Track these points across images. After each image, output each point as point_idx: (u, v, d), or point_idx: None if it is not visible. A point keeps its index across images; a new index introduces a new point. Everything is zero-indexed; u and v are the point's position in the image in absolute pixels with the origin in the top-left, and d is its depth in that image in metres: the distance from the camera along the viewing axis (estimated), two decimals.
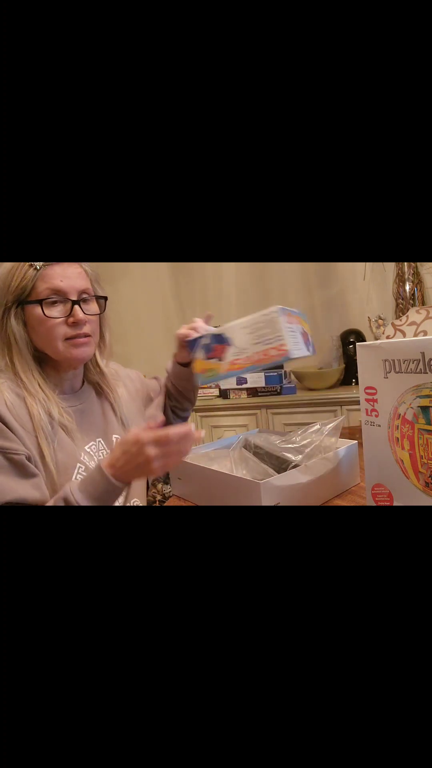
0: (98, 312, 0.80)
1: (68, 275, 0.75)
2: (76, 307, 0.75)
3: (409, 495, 0.64)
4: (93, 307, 0.80)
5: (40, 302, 0.73)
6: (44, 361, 0.79)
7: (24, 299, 0.74)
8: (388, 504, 0.67)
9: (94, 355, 0.87)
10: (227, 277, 2.61)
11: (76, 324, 0.75)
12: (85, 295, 0.77)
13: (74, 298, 0.75)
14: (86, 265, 0.80)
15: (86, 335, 0.77)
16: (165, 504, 1.02)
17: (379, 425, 0.66)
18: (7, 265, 0.75)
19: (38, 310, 0.74)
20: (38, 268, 0.73)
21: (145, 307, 2.76)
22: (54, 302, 0.74)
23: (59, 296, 0.74)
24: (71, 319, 0.75)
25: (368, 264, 2.25)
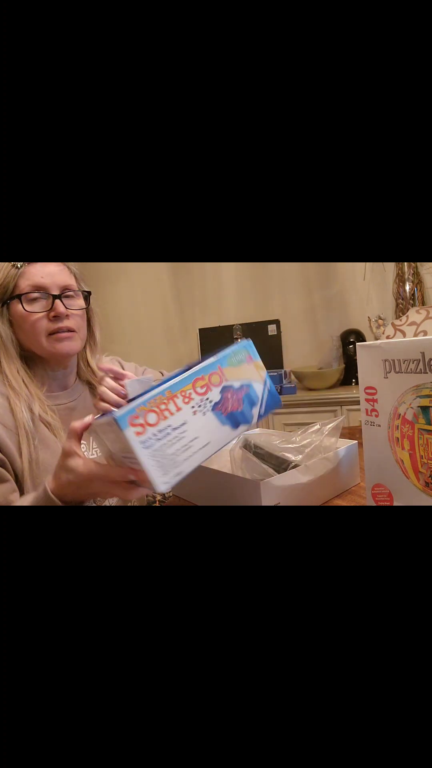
0: (83, 307, 0.81)
1: (49, 272, 0.76)
2: (57, 301, 0.76)
3: (409, 495, 0.64)
4: (78, 302, 0.80)
5: (19, 297, 0.75)
6: (32, 360, 0.80)
7: (6, 298, 0.75)
8: (388, 504, 0.67)
9: (85, 352, 0.88)
10: (227, 277, 2.61)
11: (57, 318, 0.76)
12: (68, 291, 0.78)
13: (56, 293, 0.76)
14: (68, 262, 0.81)
15: (69, 329, 0.77)
16: (165, 504, 1.02)
17: (379, 425, 0.66)
18: None
19: (20, 306, 0.75)
20: (19, 266, 0.75)
21: (145, 307, 2.76)
22: (36, 298, 0.76)
23: (40, 292, 0.76)
24: (52, 313, 0.76)
25: (368, 264, 2.25)
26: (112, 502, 0.83)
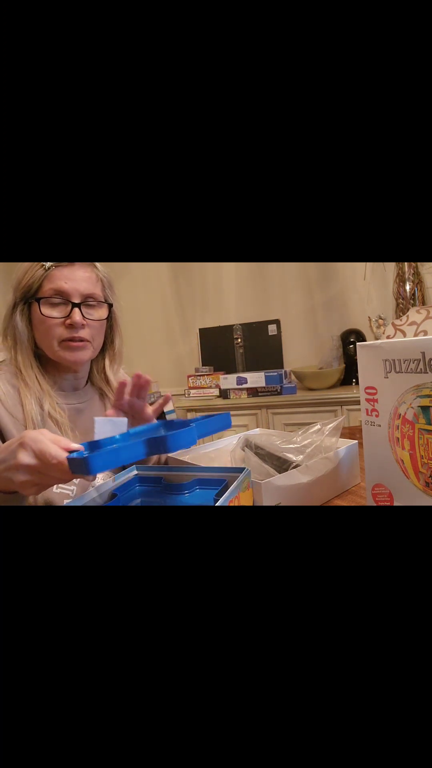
0: (103, 318, 0.80)
1: (74, 278, 0.75)
2: (75, 310, 0.75)
3: (409, 495, 0.64)
4: (99, 312, 0.79)
5: (38, 300, 0.74)
6: (46, 358, 0.80)
7: (29, 297, 0.75)
8: (388, 504, 0.67)
9: (103, 360, 0.87)
10: (227, 277, 2.61)
11: (72, 327, 0.75)
12: (90, 300, 0.77)
13: (77, 300, 0.75)
14: (101, 269, 0.80)
15: (82, 339, 0.77)
16: None
17: (379, 425, 0.66)
18: (26, 264, 0.76)
19: (39, 309, 0.74)
20: (47, 268, 0.74)
21: (145, 306, 2.76)
22: (56, 303, 0.75)
23: (61, 297, 0.75)
24: (68, 321, 0.75)
25: (368, 264, 2.26)
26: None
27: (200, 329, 2.62)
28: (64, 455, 0.51)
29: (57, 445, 0.52)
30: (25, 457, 0.52)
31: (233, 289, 2.61)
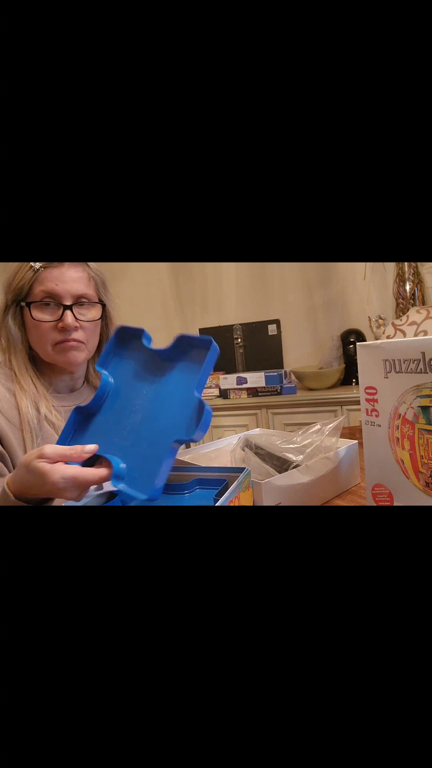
0: (96, 318, 0.79)
1: (65, 279, 0.73)
2: (67, 312, 0.73)
3: (409, 495, 0.64)
4: (91, 313, 0.78)
5: (29, 304, 0.73)
6: (41, 361, 0.79)
7: (20, 300, 0.74)
8: (388, 504, 0.67)
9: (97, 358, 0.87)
10: (227, 277, 2.61)
11: (65, 329, 0.74)
12: (83, 300, 0.76)
13: (68, 302, 0.74)
14: (93, 268, 0.78)
15: (75, 341, 0.75)
16: None
17: (379, 425, 0.66)
18: (16, 264, 0.75)
19: (30, 313, 0.73)
20: (36, 269, 0.73)
21: (145, 307, 2.76)
22: (47, 305, 0.73)
23: (52, 299, 0.73)
24: (60, 324, 0.73)
25: (368, 264, 2.26)
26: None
27: (200, 329, 2.62)
28: (105, 472, 0.53)
29: (75, 453, 0.53)
30: (72, 494, 0.53)
31: (233, 289, 2.60)
